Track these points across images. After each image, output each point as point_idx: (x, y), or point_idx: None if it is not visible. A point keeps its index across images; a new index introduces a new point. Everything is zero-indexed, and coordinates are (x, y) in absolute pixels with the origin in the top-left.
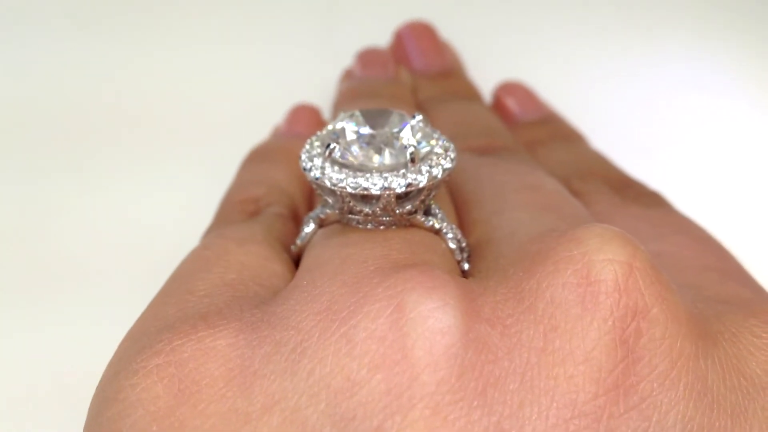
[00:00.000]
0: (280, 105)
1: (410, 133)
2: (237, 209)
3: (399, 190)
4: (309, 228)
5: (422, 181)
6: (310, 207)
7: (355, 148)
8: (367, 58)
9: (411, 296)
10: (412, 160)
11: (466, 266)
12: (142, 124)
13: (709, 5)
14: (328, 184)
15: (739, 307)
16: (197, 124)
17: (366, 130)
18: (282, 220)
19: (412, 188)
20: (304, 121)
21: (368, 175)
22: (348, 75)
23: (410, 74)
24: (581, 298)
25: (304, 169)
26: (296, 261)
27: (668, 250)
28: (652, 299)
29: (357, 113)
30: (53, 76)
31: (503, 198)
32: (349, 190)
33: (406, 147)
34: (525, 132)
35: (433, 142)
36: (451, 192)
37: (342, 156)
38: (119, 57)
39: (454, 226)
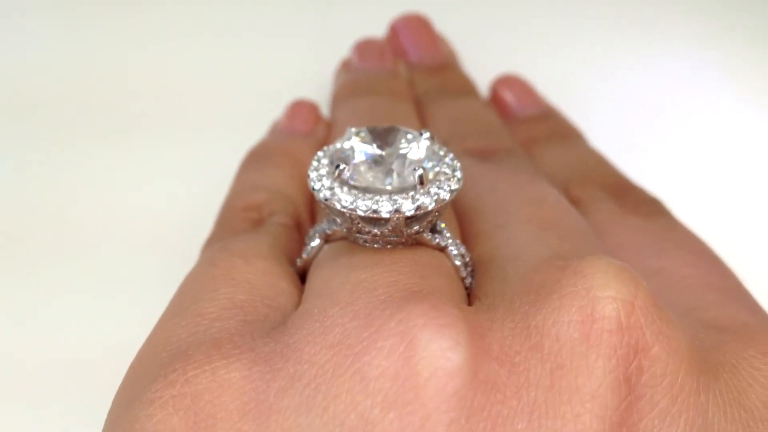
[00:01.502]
0: (277, 94)
1: (418, 153)
2: (240, 217)
3: (408, 214)
4: (314, 243)
5: (431, 204)
6: (312, 212)
7: (364, 169)
8: (365, 49)
9: (423, 334)
10: (421, 183)
11: (470, 281)
12: (139, 112)
13: (710, 4)
14: (338, 206)
15: (739, 335)
16: (196, 112)
17: (374, 149)
18: (286, 230)
19: (421, 211)
20: (303, 117)
21: (377, 197)
22: (346, 66)
23: (406, 67)
24: (586, 336)
25: (313, 189)
26: (301, 275)
27: (669, 267)
28: (653, 337)
29: (364, 132)
30: (56, 66)
31: (506, 212)
32: (359, 213)
33: (415, 169)
34: (522, 129)
35: (439, 161)
36: (453, 201)
37: (351, 177)
38: (116, 50)
39: (458, 242)
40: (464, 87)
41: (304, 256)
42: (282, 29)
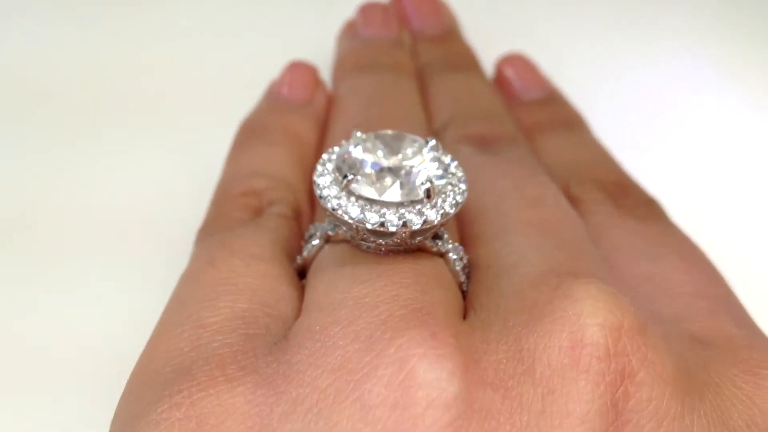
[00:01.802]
0: (277, 56)
1: (424, 164)
2: (237, 203)
3: (415, 228)
4: (315, 242)
5: (437, 219)
6: (312, 198)
7: (370, 181)
8: (369, 12)
9: (422, 364)
10: (428, 196)
11: (466, 283)
12: (132, 103)
13: (710, 4)
14: (345, 218)
15: (723, 351)
16: (192, 99)
17: (380, 158)
18: (286, 222)
19: (427, 225)
20: (301, 83)
21: (384, 210)
22: (349, 30)
23: (409, 35)
24: (576, 362)
25: (320, 197)
26: (300, 272)
27: (661, 273)
28: (639, 363)
29: (371, 140)
30: (49, 60)
31: (505, 215)
32: (367, 226)
33: (423, 183)
34: (525, 113)
35: (445, 171)
36: None
37: (358, 188)
38: (105, 41)
39: (458, 246)
40: (467, 60)
41: (305, 254)
42: None
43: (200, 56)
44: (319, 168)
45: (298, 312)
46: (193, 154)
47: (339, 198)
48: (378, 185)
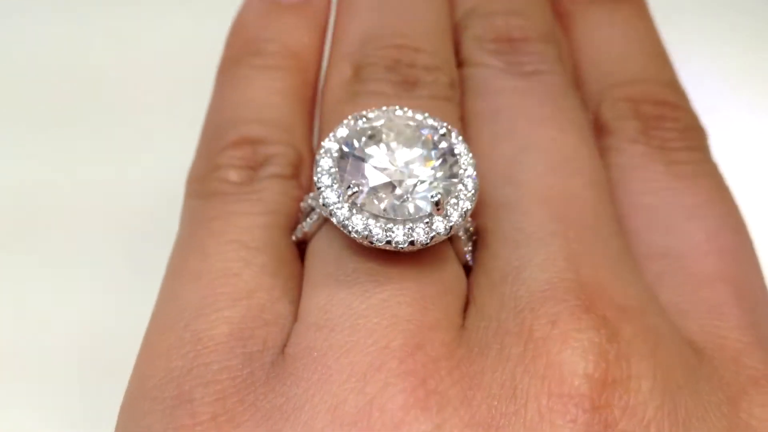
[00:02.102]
0: None
1: (430, 171)
2: (230, 158)
3: (422, 244)
4: (313, 219)
5: (445, 231)
6: (310, 139)
7: (377, 196)
8: None
9: (409, 417)
10: (437, 208)
11: (471, 255)
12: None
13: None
14: (352, 234)
15: (713, 366)
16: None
17: (386, 162)
18: (284, 188)
19: (435, 241)
20: None
21: (391, 225)
22: None
23: None
24: (564, 411)
25: (324, 205)
26: (298, 244)
27: (677, 248)
28: (620, 412)
29: (378, 131)
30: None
31: (519, 185)
32: (373, 243)
33: (433, 196)
34: None
35: (451, 171)
36: (467, 120)
37: (362, 201)
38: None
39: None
40: None
41: (305, 229)
42: None
43: (201, 53)
44: (321, 164)
45: (297, 302)
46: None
47: (342, 208)
48: (385, 201)
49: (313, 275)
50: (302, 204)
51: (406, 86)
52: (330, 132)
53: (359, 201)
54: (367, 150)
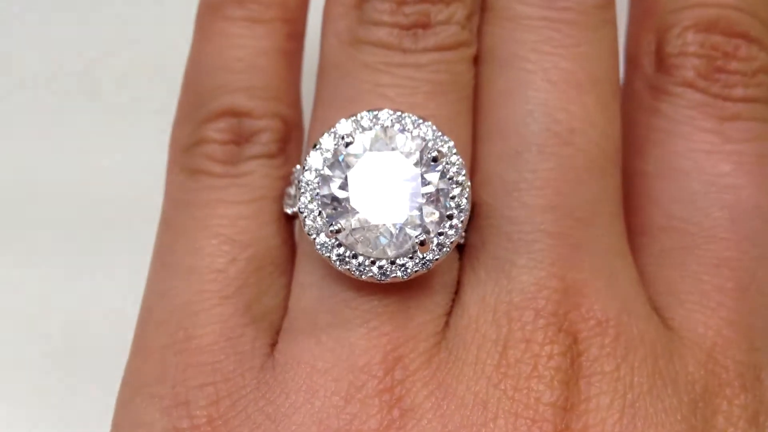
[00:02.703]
0: None
1: (424, 200)
2: (215, 132)
3: (410, 276)
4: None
5: (437, 256)
6: (298, 99)
7: (361, 236)
8: None
9: None
10: (422, 244)
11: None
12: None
13: None
14: (335, 264)
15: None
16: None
17: (368, 182)
18: (272, 169)
19: (425, 269)
20: None
21: (377, 261)
22: None
23: None
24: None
25: (307, 233)
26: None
27: (695, 225)
28: None
29: (360, 165)
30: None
31: (527, 142)
32: (359, 277)
33: (418, 236)
34: None
35: (446, 195)
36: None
37: (346, 238)
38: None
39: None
40: None
41: (294, 208)
42: None
43: None
44: (305, 179)
45: (287, 288)
46: None
47: (326, 241)
48: (369, 241)
49: (302, 275)
50: (293, 177)
51: (415, 32)
52: (326, 131)
53: (340, 237)
54: (355, 165)
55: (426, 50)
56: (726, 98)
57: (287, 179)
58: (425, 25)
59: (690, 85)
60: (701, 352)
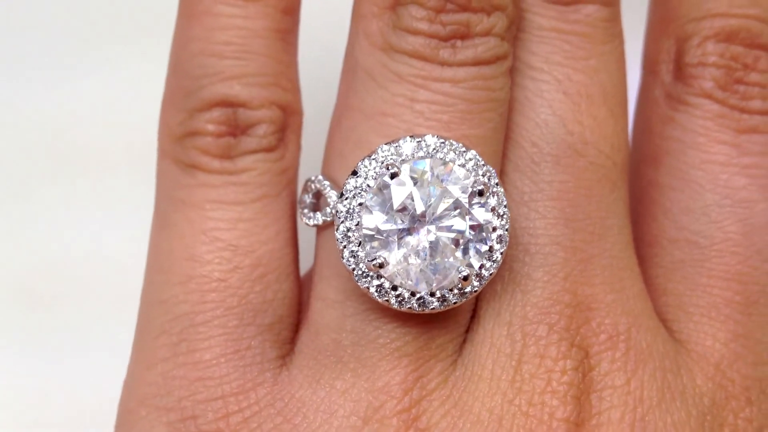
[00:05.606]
0: None
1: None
2: (208, 123)
3: (446, 308)
4: (325, 215)
5: (479, 286)
6: (296, 81)
7: (403, 272)
8: None
9: None
10: (465, 279)
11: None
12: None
13: None
14: (375, 297)
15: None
16: None
17: (406, 219)
18: (270, 165)
19: (468, 297)
20: None
21: (416, 294)
22: None
23: None
24: None
25: (346, 264)
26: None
27: (707, 239)
28: None
29: (405, 174)
30: None
31: (541, 150)
32: (400, 309)
33: (460, 271)
34: None
35: (488, 229)
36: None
37: (388, 273)
38: None
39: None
40: None
41: (313, 222)
42: None
43: None
44: (345, 207)
45: (294, 290)
46: None
47: (365, 272)
48: (409, 274)
49: (327, 290)
50: (309, 183)
51: (453, 44)
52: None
53: (382, 272)
54: (398, 190)
55: (464, 64)
56: (744, 110)
57: (288, 172)
58: (464, 36)
59: (708, 96)
60: (709, 366)
